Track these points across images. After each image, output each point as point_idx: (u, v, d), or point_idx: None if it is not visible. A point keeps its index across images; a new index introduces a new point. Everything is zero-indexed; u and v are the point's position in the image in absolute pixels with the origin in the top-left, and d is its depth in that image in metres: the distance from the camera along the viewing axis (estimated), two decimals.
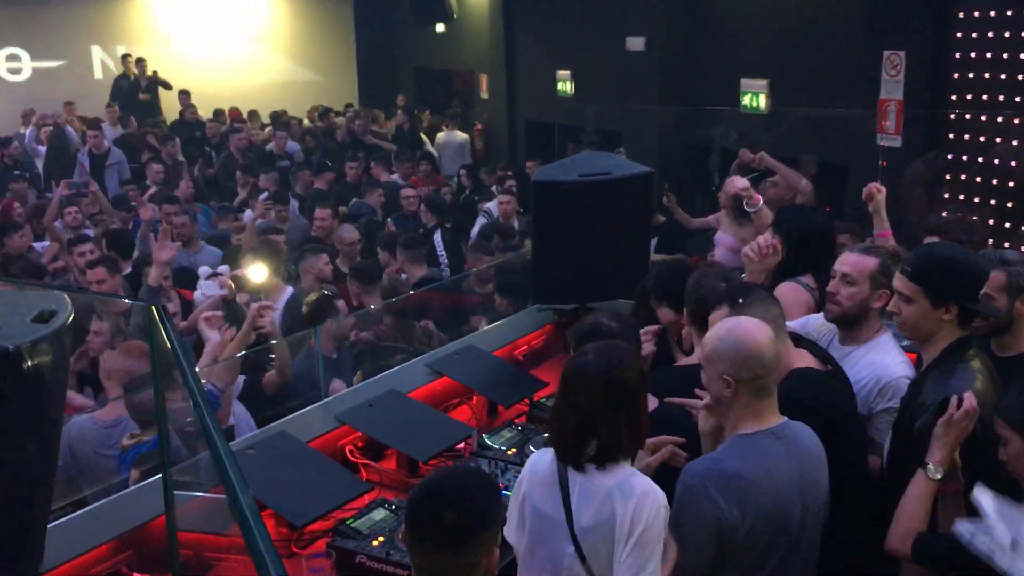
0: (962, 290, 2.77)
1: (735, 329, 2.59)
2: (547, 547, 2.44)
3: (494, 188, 10.10)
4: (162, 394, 2.06)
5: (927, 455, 2.60)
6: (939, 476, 2.57)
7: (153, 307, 1.90)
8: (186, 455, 3.62)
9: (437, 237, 8.04)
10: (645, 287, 3.92)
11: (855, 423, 2.99)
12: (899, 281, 2.86)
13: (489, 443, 4.00)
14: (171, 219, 7.41)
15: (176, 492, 2.94)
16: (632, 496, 2.35)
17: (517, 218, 8.69)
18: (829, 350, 3.32)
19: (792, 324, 3.57)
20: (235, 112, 14.23)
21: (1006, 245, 5.04)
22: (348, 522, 3.26)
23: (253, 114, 14.31)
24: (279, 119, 13.66)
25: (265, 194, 8.61)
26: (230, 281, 5.09)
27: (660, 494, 2.40)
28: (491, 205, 9.02)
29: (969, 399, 2.55)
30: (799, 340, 3.11)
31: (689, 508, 2.47)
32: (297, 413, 4.01)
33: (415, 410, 4.08)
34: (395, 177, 10.73)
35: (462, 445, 3.91)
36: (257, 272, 5.96)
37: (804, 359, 2.96)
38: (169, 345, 1.84)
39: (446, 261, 7.82)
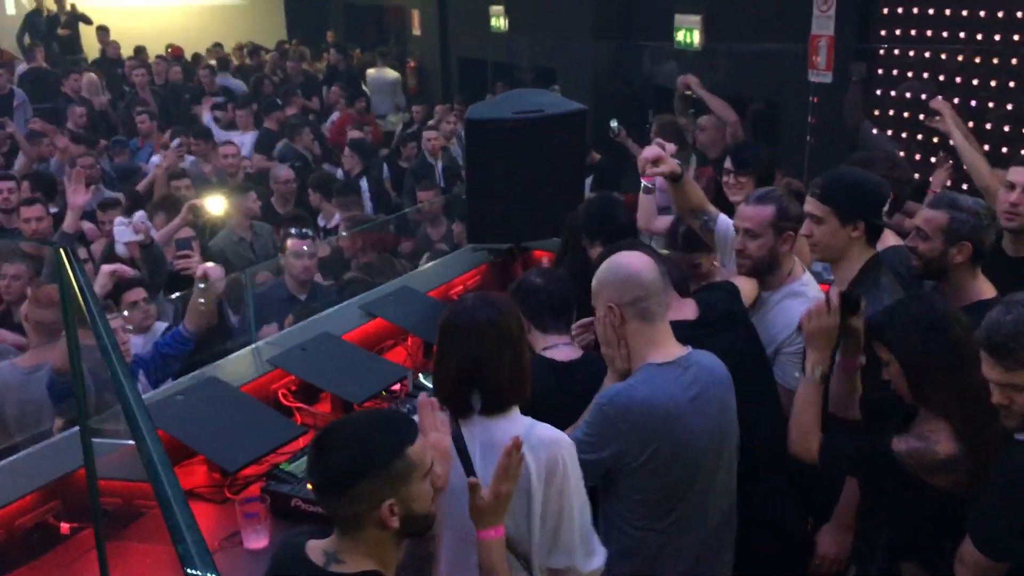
0: (867, 207, 2.98)
1: (613, 259, 2.69)
2: (457, 519, 2.25)
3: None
4: (76, 340, 1.98)
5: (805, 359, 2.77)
6: (818, 374, 2.72)
7: (60, 250, 1.81)
8: (113, 402, 3.54)
9: (363, 183, 7.90)
10: (575, 224, 3.88)
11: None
12: (809, 204, 3.04)
13: (425, 384, 3.98)
14: (82, 161, 7.16)
15: (103, 440, 2.87)
16: (541, 449, 2.30)
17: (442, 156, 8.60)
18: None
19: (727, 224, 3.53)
20: (176, 50, 13.65)
21: (929, 180, 5.11)
22: (282, 466, 3.22)
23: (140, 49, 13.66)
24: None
25: (177, 140, 8.29)
26: (144, 225, 4.95)
27: (564, 438, 2.38)
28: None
29: (833, 294, 2.70)
30: (713, 289, 3.18)
31: (600, 425, 2.53)
32: (228, 357, 3.94)
33: (349, 352, 4.04)
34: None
35: (397, 386, 3.89)
36: (215, 204, 5.93)
37: (682, 311, 2.92)
38: (77, 287, 1.76)
39: (371, 208, 7.70)
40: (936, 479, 2.50)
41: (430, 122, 9.80)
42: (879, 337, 2.59)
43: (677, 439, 2.53)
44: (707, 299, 3.04)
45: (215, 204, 6.05)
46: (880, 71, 7.44)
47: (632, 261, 2.64)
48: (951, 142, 4.61)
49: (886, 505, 2.75)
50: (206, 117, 9.88)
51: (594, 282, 2.67)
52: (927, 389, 2.51)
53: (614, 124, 7.16)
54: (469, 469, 2.30)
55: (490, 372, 2.35)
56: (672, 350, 2.62)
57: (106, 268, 4.49)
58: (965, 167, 4.55)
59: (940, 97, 4.84)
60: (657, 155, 3.39)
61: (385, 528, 1.89)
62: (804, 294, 3.19)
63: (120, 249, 5.05)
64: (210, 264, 4.18)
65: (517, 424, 2.36)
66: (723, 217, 3.58)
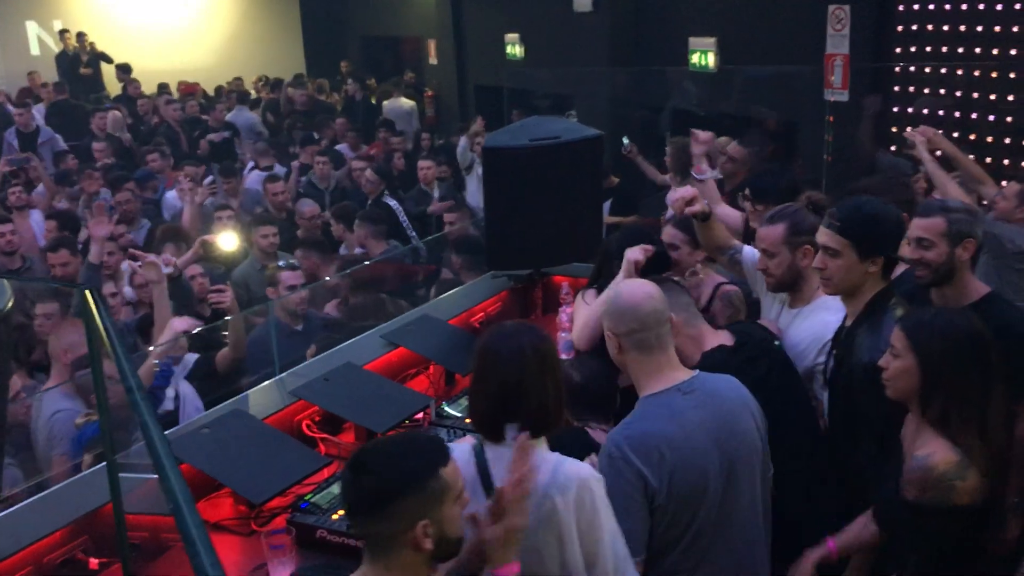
0: (888, 241, 2.85)
1: (617, 289, 2.76)
2: None
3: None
4: (102, 377, 2.01)
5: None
6: None
7: (87, 291, 1.85)
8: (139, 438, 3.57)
9: (396, 206, 7.76)
10: (608, 251, 3.89)
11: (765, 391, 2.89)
12: (825, 236, 2.89)
13: (448, 411, 3.99)
14: (121, 196, 7.30)
15: (129, 475, 2.90)
16: (570, 487, 2.27)
17: (438, 185, 8.59)
18: (784, 310, 3.39)
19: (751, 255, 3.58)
20: (191, 87, 13.88)
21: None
22: (307, 497, 3.23)
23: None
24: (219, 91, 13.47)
25: (211, 177, 8.41)
26: (174, 259, 5.02)
27: (593, 473, 2.35)
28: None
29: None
30: (735, 326, 3.19)
31: (614, 478, 2.47)
32: (251, 390, 3.97)
33: (372, 382, 4.05)
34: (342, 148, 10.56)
35: (420, 415, 3.90)
36: (227, 240, 5.99)
37: (719, 339, 2.99)
38: (103, 328, 1.80)
39: (414, 232, 7.65)
40: (956, 497, 2.43)
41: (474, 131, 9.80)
42: (908, 333, 2.52)
43: (686, 460, 2.51)
44: (743, 328, 3.10)
45: (227, 240, 6.10)
46: (896, 88, 7.44)
47: (633, 292, 2.66)
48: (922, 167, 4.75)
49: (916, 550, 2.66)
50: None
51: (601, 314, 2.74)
52: (939, 398, 2.47)
53: (625, 141, 7.25)
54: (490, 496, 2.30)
55: (534, 397, 2.35)
56: (673, 376, 2.62)
57: (179, 325, 4.52)
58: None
59: (909, 129, 4.97)
60: (693, 195, 3.50)
61: (419, 550, 1.90)
62: (835, 307, 3.17)
63: (128, 293, 5.13)
64: (177, 319, 4.27)
65: (544, 459, 2.33)
66: (747, 248, 3.64)
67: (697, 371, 2.68)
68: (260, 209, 7.65)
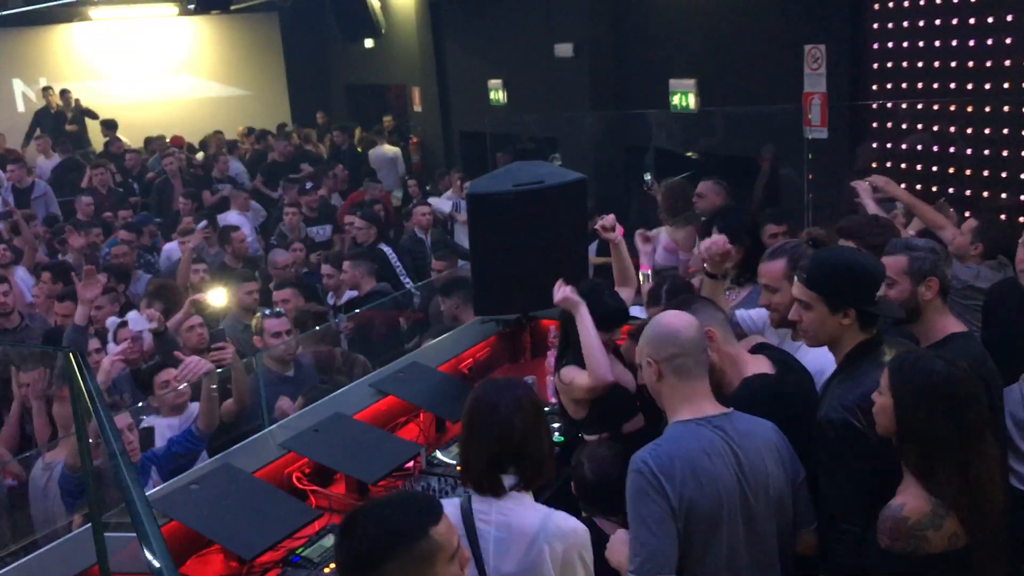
0: (859, 294, 2.73)
1: (656, 318, 2.79)
2: None
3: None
4: (86, 440, 2.01)
5: None
6: None
7: (71, 354, 1.85)
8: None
9: (390, 252, 7.77)
10: (566, 317, 3.85)
11: (805, 423, 2.88)
12: (796, 288, 2.84)
13: (439, 458, 3.99)
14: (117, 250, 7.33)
15: (118, 535, 2.88)
16: (559, 540, 2.30)
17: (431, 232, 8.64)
18: (784, 342, 3.42)
19: (745, 315, 3.64)
20: (177, 139, 13.96)
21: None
22: (299, 551, 3.23)
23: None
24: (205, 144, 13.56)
25: (204, 222, 8.45)
26: (159, 315, 5.04)
27: (584, 530, 2.40)
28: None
29: None
30: (761, 348, 3.16)
31: (639, 494, 2.49)
32: (240, 444, 3.95)
33: (361, 432, 4.05)
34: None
35: (411, 464, 3.89)
36: (216, 296, 5.99)
37: (759, 365, 3.00)
38: (86, 392, 1.80)
39: (408, 279, 7.61)
40: (929, 547, 2.40)
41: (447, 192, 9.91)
42: (891, 372, 2.51)
43: (704, 494, 2.51)
44: (778, 356, 3.09)
45: (216, 297, 6.09)
46: (874, 124, 7.54)
47: (673, 320, 2.73)
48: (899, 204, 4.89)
49: None
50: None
51: (639, 342, 2.78)
52: (914, 442, 2.44)
53: (647, 177, 7.32)
54: (476, 552, 2.30)
55: (533, 447, 2.39)
56: (705, 408, 2.65)
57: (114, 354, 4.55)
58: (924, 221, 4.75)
59: (859, 182, 5.06)
60: (726, 251, 3.60)
61: None
62: None
63: (115, 349, 5.14)
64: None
65: (534, 510, 2.37)
66: (738, 312, 3.74)
67: (732, 409, 2.68)
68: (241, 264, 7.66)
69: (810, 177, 7.45)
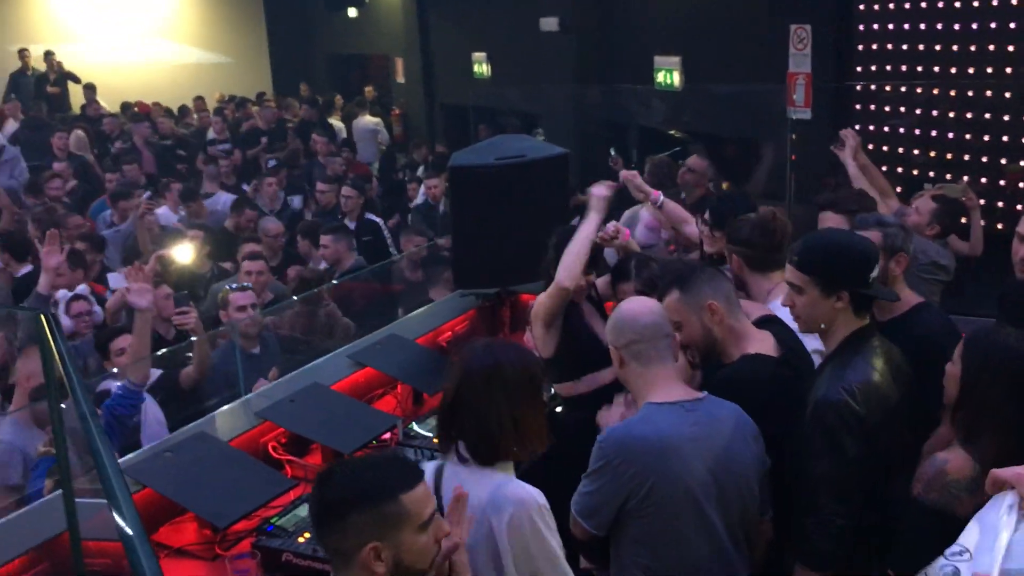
0: (852, 276, 2.66)
1: (620, 304, 2.82)
2: None
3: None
4: (57, 403, 1.98)
5: None
6: None
7: (42, 315, 1.82)
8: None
9: (382, 223, 7.77)
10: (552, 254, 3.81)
11: (791, 412, 2.82)
12: (788, 272, 2.76)
13: (417, 431, 3.97)
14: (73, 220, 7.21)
15: (90, 500, 2.85)
16: (506, 509, 2.25)
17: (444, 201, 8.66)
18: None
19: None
20: (144, 107, 13.79)
21: None
22: (273, 520, 3.20)
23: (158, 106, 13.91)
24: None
25: (147, 193, 8.30)
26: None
27: (534, 498, 2.30)
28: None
29: None
30: (768, 322, 3.11)
31: (600, 467, 2.56)
32: (216, 412, 3.92)
33: (338, 402, 4.03)
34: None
35: (388, 435, 3.88)
36: (182, 253, 5.94)
37: (763, 343, 2.95)
38: (57, 354, 1.77)
39: (395, 250, 7.57)
40: (960, 508, 2.36)
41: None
42: (966, 342, 2.49)
43: (673, 474, 2.53)
44: (787, 336, 3.02)
45: (182, 253, 6.06)
46: (858, 107, 7.55)
47: (633, 306, 2.76)
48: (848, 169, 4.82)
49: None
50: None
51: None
52: (970, 410, 2.43)
53: (612, 152, 7.31)
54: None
55: (477, 421, 2.32)
56: (675, 392, 2.65)
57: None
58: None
59: (850, 129, 5.08)
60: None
61: (369, 572, 1.87)
62: None
63: (65, 322, 5.08)
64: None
65: (489, 480, 2.31)
66: None
67: (705, 393, 2.69)
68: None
69: (792, 158, 7.46)
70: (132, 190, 8.26)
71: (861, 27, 7.43)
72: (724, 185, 7.50)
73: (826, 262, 2.68)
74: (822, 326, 2.73)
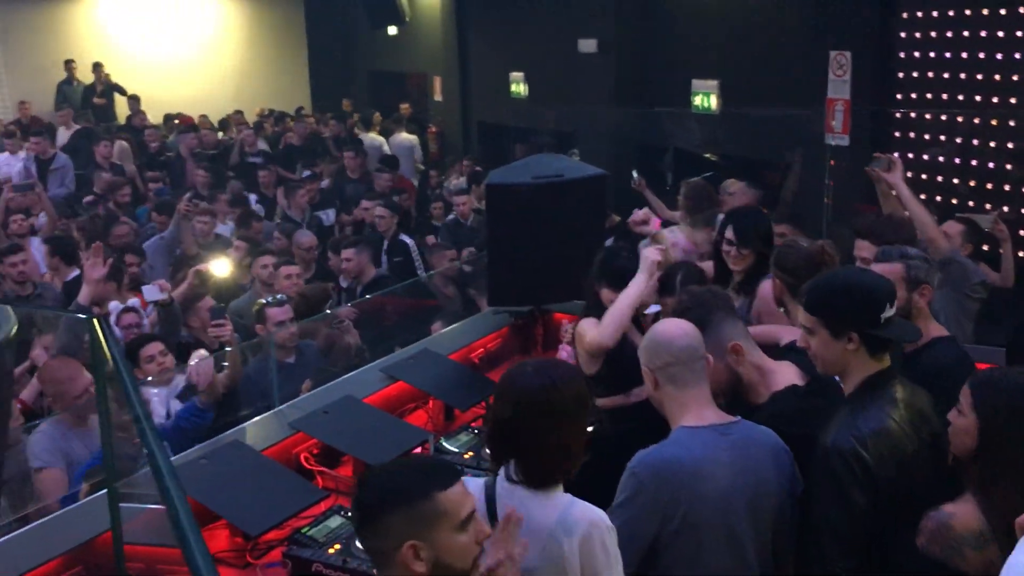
0: (860, 316, 2.56)
1: (654, 326, 2.81)
2: None
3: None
4: (106, 406, 2.02)
5: None
6: None
7: (95, 320, 1.86)
8: (139, 466, 3.57)
9: (412, 243, 7.76)
10: (593, 278, 3.87)
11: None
12: (800, 314, 2.71)
13: (446, 447, 3.99)
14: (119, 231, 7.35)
15: (126, 505, 2.89)
16: (576, 531, 2.25)
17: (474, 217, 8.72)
18: None
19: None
20: (186, 119, 14.02)
21: None
22: (304, 530, 3.22)
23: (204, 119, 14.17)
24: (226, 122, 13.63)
25: (189, 194, 8.45)
26: (168, 285, 5.12)
27: (604, 519, 2.32)
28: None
29: None
30: (788, 351, 3.11)
31: (630, 494, 2.52)
32: (251, 421, 3.97)
33: (371, 416, 4.06)
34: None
35: (419, 450, 3.89)
36: (220, 267, 6.03)
37: (786, 375, 2.95)
38: (110, 357, 1.81)
39: (423, 271, 7.59)
40: (964, 564, 2.32)
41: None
42: (973, 390, 2.40)
43: (707, 498, 2.51)
44: (805, 362, 2.95)
45: (220, 267, 6.15)
46: (896, 134, 7.50)
47: (668, 328, 2.74)
48: (894, 192, 4.66)
49: None
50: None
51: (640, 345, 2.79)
52: (989, 460, 2.33)
53: (635, 175, 7.31)
54: None
55: (533, 447, 2.31)
56: (708, 415, 2.64)
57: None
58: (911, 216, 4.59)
59: (896, 155, 5.01)
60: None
61: (410, 572, 1.89)
62: None
63: (116, 334, 5.19)
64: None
65: (555, 501, 2.31)
66: None
67: (739, 417, 2.68)
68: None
69: (830, 184, 7.43)
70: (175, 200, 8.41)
71: (902, 54, 7.40)
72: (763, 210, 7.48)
73: (832, 303, 2.61)
74: (837, 368, 2.65)
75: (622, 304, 3.60)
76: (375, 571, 2.01)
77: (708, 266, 4.30)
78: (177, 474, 1.56)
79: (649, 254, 3.69)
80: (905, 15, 7.35)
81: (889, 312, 2.57)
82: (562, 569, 2.24)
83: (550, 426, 2.31)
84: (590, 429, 3.20)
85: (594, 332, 3.61)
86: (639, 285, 3.65)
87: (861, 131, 7.50)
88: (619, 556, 2.32)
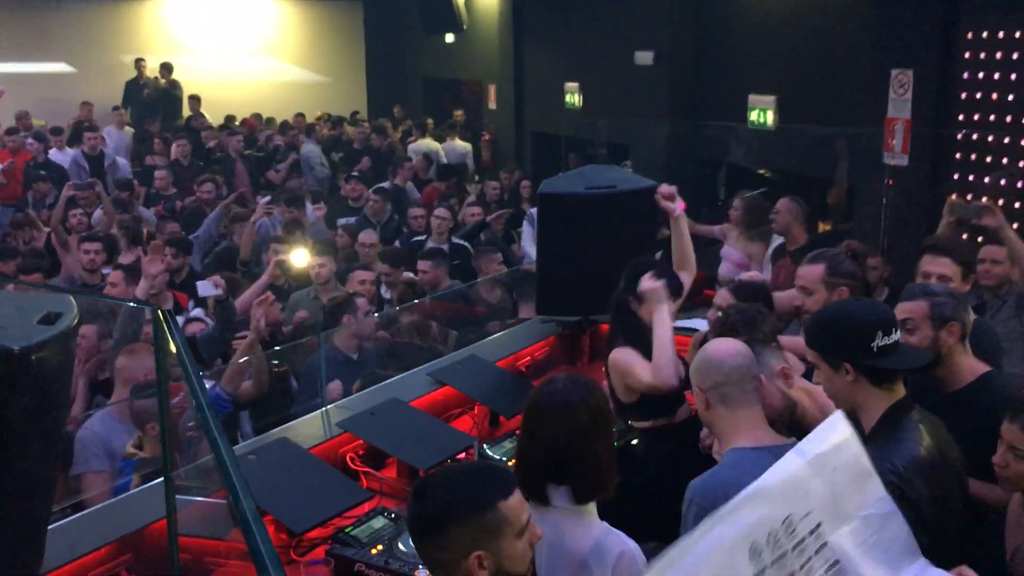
0: (849, 346, 2.54)
1: (705, 346, 2.76)
2: None
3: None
4: (167, 397, 2.07)
5: None
6: None
7: (159, 310, 1.91)
8: (186, 459, 3.64)
9: (467, 245, 7.86)
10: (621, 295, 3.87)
11: None
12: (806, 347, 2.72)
13: (490, 453, 4.00)
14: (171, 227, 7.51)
15: (176, 496, 2.95)
16: (608, 563, 2.25)
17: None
18: None
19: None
20: (249, 122, 14.26)
21: None
22: (347, 530, 3.26)
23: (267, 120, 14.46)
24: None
25: (268, 197, 8.62)
26: (223, 282, 5.22)
27: (636, 550, 2.32)
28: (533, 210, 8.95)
29: None
30: None
31: (694, 522, 2.44)
32: (298, 420, 4.02)
33: (416, 419, 4.09)
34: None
35: (463, 455, 3.91)
36: (299, 257, 6.16)
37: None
38: (175, 347, 1.86)
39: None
40: None
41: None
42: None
43: None
44: None
45: (299, 258, 6.27)
46: (958, 155, 7.37)
47: (720, 348, 2.71)
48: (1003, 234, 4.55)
49: None
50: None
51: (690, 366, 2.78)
52: None
53: (629, 163, 7.22)
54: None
55: (585, 458, 2.31)
56: (762, 436, 2.59)
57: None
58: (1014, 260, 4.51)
59: (985, 199, 4.92)
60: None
61: None
62: None
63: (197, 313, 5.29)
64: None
65: (590, 529, 2.31)
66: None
67: (794, 439, 2.62)
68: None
69: (887, 205, 7.32)
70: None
71: (965, 75, 7.26)
72: (821, 227, 7.40)
73: (823, 334, 2.63)
74: (846, 403, 2.57)
75: (664, 339, 3.53)
76: None
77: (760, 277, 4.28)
78: (238, 463, 1.60)
79: (648, 285, 3.68)
80: (970, 35, 7.22)
81: (884, 340, 2.52)
82: None
83: (602, 436, 2.35)
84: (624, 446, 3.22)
85: (647, 373, 3.51)
86: (665, 313, 3.60)
87: (921, 152, 7.38)
88: None
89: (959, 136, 7.32)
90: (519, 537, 1.94)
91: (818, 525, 1.85)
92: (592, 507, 2.39)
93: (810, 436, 1.94)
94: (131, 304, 5.21)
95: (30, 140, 11.26)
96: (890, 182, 7.39)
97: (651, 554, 2.64)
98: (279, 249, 6.61)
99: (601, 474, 2.34)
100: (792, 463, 1.84)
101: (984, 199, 7.05)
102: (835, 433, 1.95)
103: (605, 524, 2.37)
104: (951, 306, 3.03)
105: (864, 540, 1.92)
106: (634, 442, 3.77)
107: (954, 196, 5.01)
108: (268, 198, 8.37)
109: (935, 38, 7.38)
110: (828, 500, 1.87)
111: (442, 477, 2.02)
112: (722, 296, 3.95)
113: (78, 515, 3.17)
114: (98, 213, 8.60)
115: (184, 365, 1.79)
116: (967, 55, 7.25)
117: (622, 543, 2.31)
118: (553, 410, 2.39)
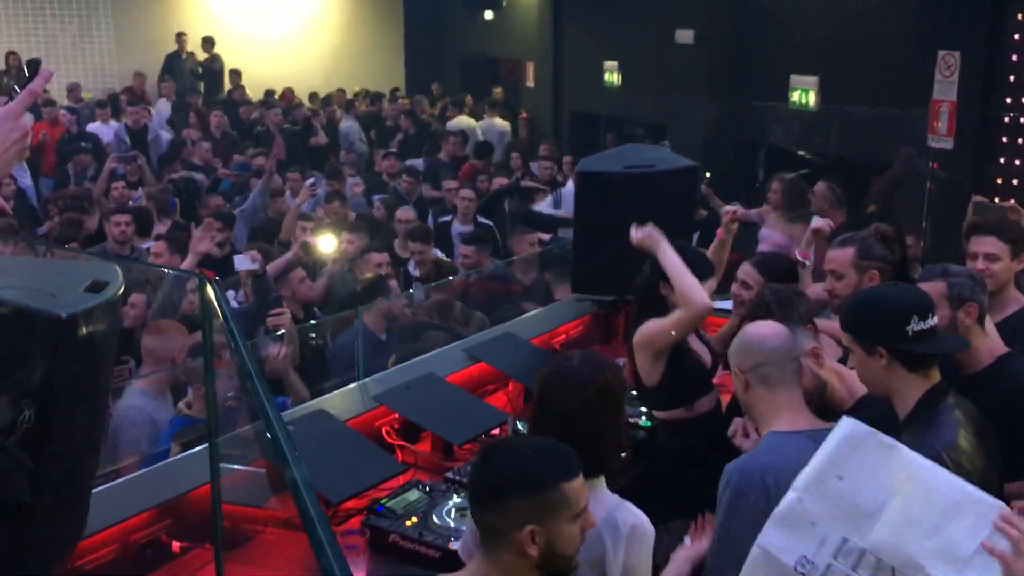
0: (883, 330, 2.51)
1: (744, 328, 2.76)
2: None
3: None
4: (212, 365, 2.10)
5: None
6: None
7: (205, 278, 1.94)
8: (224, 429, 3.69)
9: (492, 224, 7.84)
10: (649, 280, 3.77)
11: None
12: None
13: (523, 429, 4.01)
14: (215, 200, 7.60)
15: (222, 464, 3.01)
16: (621, 534, 2.28)
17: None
18: None
19: None
20: (288, 97, 14.35)
21: None
22: (383, 501, 3.29)
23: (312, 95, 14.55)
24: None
25: (312, 180, 8.65)
26: (260, 256, 5.26)
27: (648, 525, 2.34)
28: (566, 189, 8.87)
29: None
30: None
31: (730, 507, 2.45)
32: (335, 392, 4.06)
33: (452, 394, 4.12)
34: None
35: (497, 431, 3.94)
36: (326, 242, 6.20)
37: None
38: (220, 314, 1.89)
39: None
40: None
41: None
42: None
43: None
44: None
45: (326, 243, 6.30)
46: (1004, 139, 7.24)
47: (760, 329, 2.69)
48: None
49: None
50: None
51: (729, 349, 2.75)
52: None
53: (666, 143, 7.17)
54: None
55: (597, 435, 2.34)
56: (801, 420, 2.57)
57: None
58: None
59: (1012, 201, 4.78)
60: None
61: (523, 556, 1.93)
62: None
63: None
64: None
65: (602, 502, 2.33)
66: None
67: (832, 424, 2.61)
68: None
69: (931, 188, 7.21)
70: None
71: (1014, 57, 7.12)
72: (870, 208, 7.29)
73: (858, 318, 2.60)
74: (880, 387, 2.58)
75: (680, 268, 3.46)
76: (481, 550, 2.01)
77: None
78: (288, 429, 1.63)
79: (638, 235, 3.70)
80: (1020, 16, 7.07)
81: (920, 325, 2.49)
82: (601, 568, 2.26)
83: (610, 413, 2.39)
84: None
85: (677, 314, 3.43)
86: (669, 249, 3.56)
87: (966, 134, 7.26)
88: (650, 564, 2.35)
89: (1006, 119, 7.19)
90: (574, 520, 1.97)
91: (844, 541, 1.89)
92: (602, 480, 2.41)
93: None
94: (175, 273, 5.27)
95: (62, 112, 11.38)
96: (934, 165, 7.28)
97: (677, 532, 2.68)
98: (307, 227, 6.66)
99: (607, 451, 2.37)
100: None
101: None
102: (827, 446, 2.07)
103: (616, 497, 2.40)
104: (969, 286, 2.98)
105: (908, 519, 1.94)
106: (642, 434, 3.79)
107: (978, 196, 4.87)
108: (312, 180, 8.39)
109: (983, 19, 7.25)
110: (843, 512, 1.97)
111: (511, 447, 2.05)
112: (745, 271, 3.93)
113: (122, 479, 3.24)
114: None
115: (232, 334, 1.82)
116: (1016, 37, 7.11)
117: (634, 515, 2.35)
118: (564, 384, 2.42)
